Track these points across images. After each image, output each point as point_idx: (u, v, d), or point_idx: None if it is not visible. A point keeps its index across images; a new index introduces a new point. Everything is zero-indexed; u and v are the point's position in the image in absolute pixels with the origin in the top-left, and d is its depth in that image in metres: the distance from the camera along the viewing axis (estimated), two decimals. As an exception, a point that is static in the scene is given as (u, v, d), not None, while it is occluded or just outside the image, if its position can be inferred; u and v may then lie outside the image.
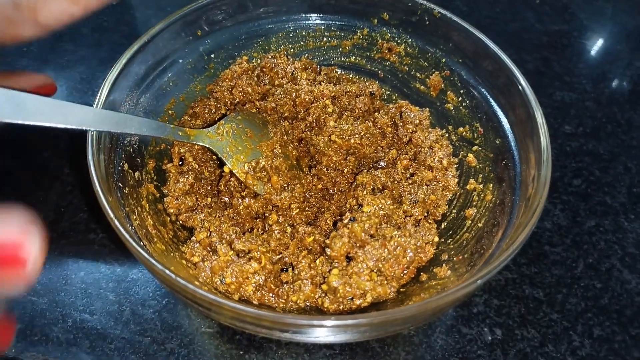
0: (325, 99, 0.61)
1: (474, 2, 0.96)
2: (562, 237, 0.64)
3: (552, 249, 0.62)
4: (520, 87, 0.52)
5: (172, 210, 0.54)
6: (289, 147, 0.59)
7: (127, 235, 0.40)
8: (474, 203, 0.55)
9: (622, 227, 0.64)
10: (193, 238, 0.52)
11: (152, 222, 0.50)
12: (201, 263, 0.49)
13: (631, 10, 0.95)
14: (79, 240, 0.61)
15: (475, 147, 0.59)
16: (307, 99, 0.61)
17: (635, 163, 0.71)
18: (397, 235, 0.50)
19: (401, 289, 0.50)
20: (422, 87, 0.64)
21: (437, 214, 0.57)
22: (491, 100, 0.57)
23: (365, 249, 0.49)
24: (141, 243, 0.44)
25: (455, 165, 0.59)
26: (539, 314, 0.57)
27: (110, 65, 0.52)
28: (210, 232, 0.52)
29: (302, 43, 0.67)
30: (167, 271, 0.38)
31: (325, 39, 0.67)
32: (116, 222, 0.40)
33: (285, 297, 0.49)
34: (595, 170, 0.70)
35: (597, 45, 0.89)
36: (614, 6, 0.96)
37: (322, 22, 0.66)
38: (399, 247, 0.49)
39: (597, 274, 0.60)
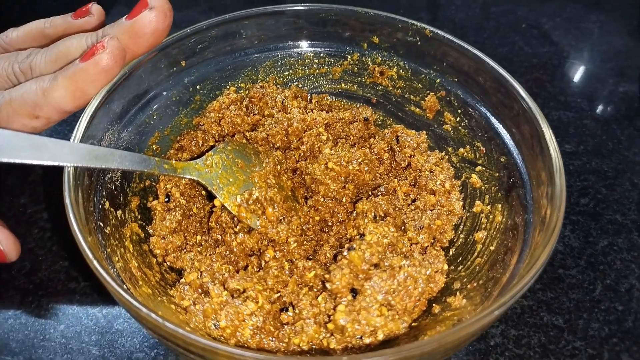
0: (318, 126, 0.58)
1: (460, 29, 0.96)
2: (575, 258, 0.60)
3: (566, 272, 0.59)
4: (521, 101, 0.49)
5: (158, 251, 0.50)
6: (283, 178, 0.56)
7: (108, 278, 0.35)
8: (483, 226, 0.52)
9: (637, 245, 0.61)
10: (182, 280, 0.48)
11: (136, 264, 0.46)
12: (192, 307, 0.45)
13: (617, 31, 0.95)
14: (58, 290, 0.56)
15: (478, 168, 0.56)
16: (299, 128, 0.58)
17: (641, 178, 0.69)
18: (406, 265, 0.46)
19: (413, 324, 0.46)
20: (418, 109, 0.62)
21: (444, 240, 0.53)
22: (491, 117, 0.54)
23: (372, 281, 0.45)
24: (125, 287, 0.40)
25: (458, 188, 0.56)
26: (560, 343, 0.53)
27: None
28: (201, 272, 0.48)
29: (290, 71, 0.65)
30: (154, 315, 0.33)
31: (314, 67, 0.65)
32: (95, 263, 0.36)
33: (287, 340, 0.44)
34: (602, 188, 0.68)
35: (588, 64, 0.88)
36: (600, 27, 0.96)
37: (311, 49, 0.64)
38: (409, 278, 0.45)
39: (617, 295, 0.57)
